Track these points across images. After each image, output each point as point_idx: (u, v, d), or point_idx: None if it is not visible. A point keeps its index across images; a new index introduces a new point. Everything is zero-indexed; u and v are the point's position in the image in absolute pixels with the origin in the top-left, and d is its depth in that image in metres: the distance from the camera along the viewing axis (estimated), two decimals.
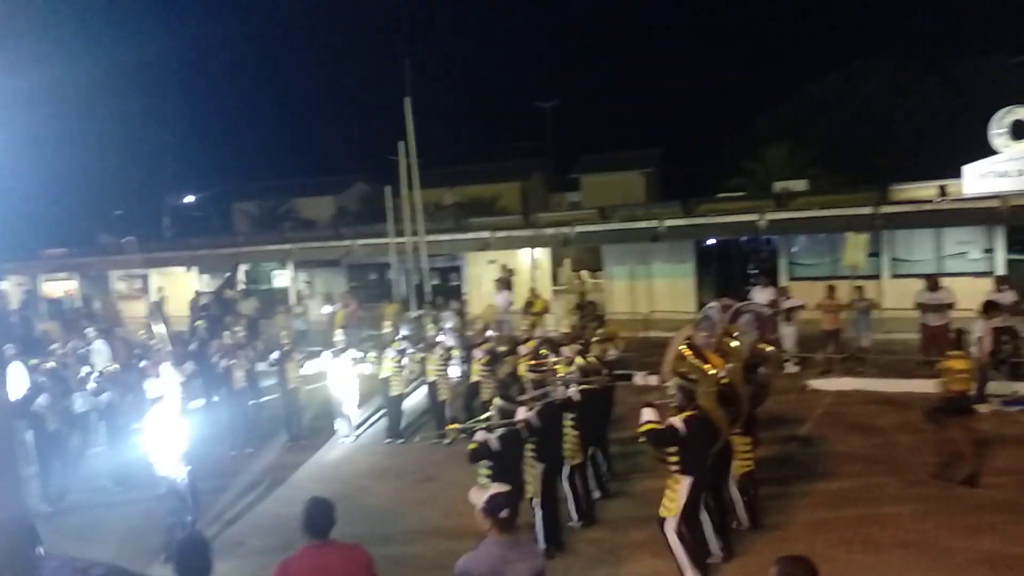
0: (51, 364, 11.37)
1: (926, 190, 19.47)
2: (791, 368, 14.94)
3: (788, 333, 14.99)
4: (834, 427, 11.43)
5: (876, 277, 18.85)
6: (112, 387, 11.19)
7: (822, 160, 32.11)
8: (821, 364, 14.84)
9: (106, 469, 10.99)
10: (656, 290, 21.45)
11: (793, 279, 19.71)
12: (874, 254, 18.58)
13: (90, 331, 15.72)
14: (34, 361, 11.34)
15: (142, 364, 12.38)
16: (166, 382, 11.04)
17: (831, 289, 15.07)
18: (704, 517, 6.95)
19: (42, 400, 10.22)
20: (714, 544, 7.12)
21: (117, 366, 12.13)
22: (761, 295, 15.17)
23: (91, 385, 11.27)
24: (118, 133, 40.29)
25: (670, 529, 6.57)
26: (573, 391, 8.46)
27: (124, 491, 10.33)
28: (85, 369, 12.05)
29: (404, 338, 13.25)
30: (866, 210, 18.98)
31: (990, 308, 12.18)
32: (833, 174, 31.00)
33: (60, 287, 32.04)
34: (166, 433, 8.06)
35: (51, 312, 27.09)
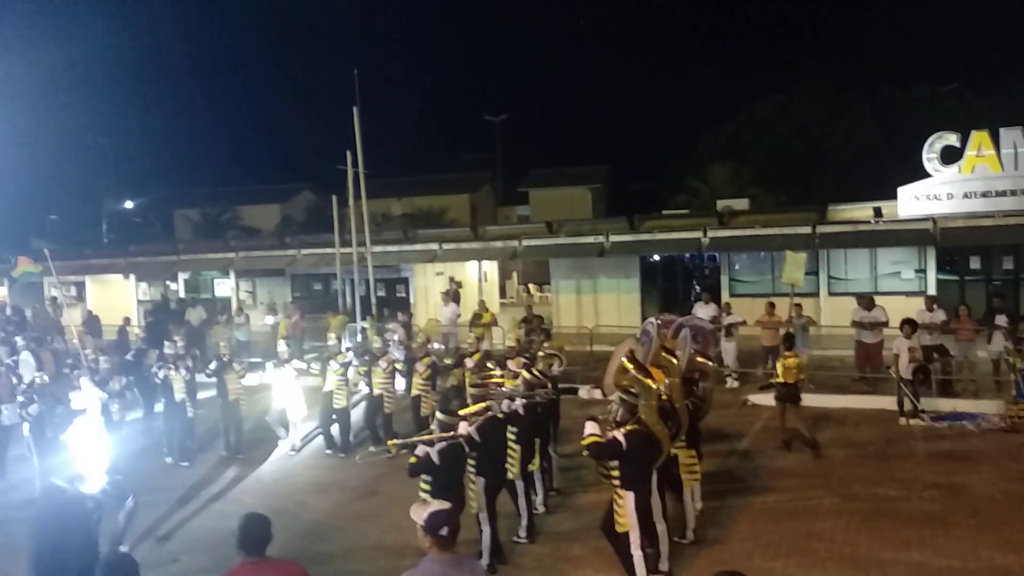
0: None
1: (862, 211, 20.10)
2: (731, 383, 15.20)
3: (729, 348, 15.27)
4: (772, 442, 11.63)
5: (815, 295, 19.40)
6: (40, 399, 10.78)
7: (763, 179, 32.91)
8: (760, 379, 15.12)
9: (33, 482, 10.56)
10: (602, 304, 21.68)
11: (734, 295, 20.15)
12: (812, 272, 19.13)
13: (18, 340, 15.15)
14: None
15: (73, 374, 11.97)
16: (87, 396, 10.69)
17: (771, 306, 15.39)
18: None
19: None
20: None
21: (46, 377, 11.69)
22: (704, 311, 15.41)
23: (20, 397, 10.84)
24: (55, 135, 39.11)
25: (634, 545, 6.58)
26: (518, 404, 8.45)
27: None
28: (14, 380, 11.59)
29: (349, 350, 13.09)
30: (805, 229, 19.53)
31: (907, 326, 12.65)
32: (774, 193, 31.81)
33: None
34: (88, 447, 7.76)
35: None
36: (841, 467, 10.47)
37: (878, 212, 19.61)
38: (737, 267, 21.38)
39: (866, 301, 14.72)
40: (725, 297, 19.68)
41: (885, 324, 14.28)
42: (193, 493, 10.49)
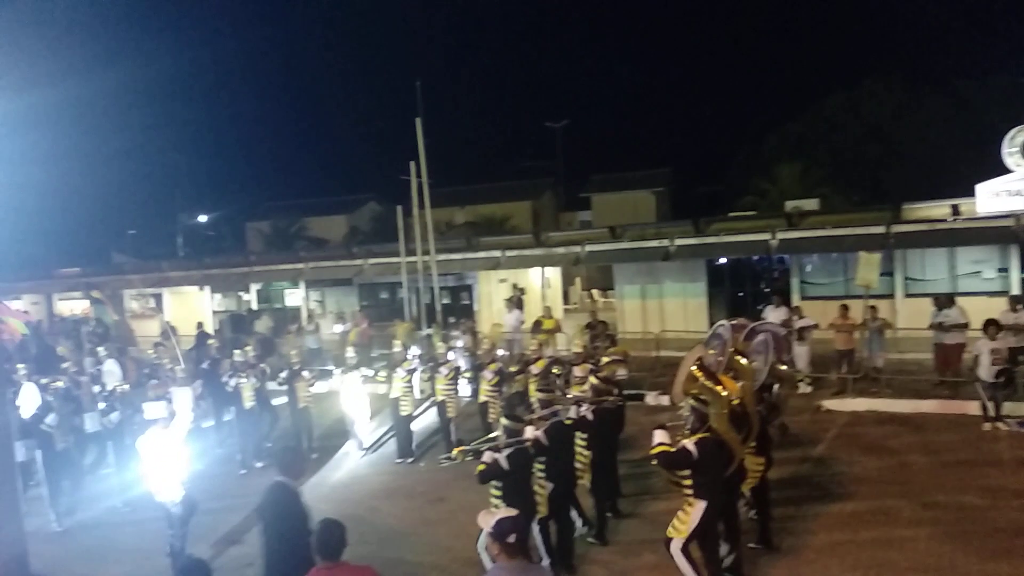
0: (61, 383, 11.39)
1: (939, 209, 19.34)
2: (804, 388, 14.82)
3: (801, 353, 14.88)
4: (848, 448, 11.30)
5: (890, 296, 18.72)
6: (122, 407, 11.21)
7: (833, 179, 32.06)
8: (834, 384, 14.71)
9: (116, 489, 10.99)
10: (667, 309, 21.39)
11: (805, 298, 19.61)
12: (887, 273, 18.47)
13: (102, 350, 15.78)
14: (45, 380, 11.37)
15: (150, 384, 12.41)
16: (175, 405, 11.01)
17: (844, 308, 14.98)
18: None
19: (51, 419, 10.23)
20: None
21: (127, 386, 12.16)
22: (774, 314, 15.08)
23: (101, 405, 11.30)
24: (133, 153, 40.75)
25: (676, 549, 6.46)
26: (586, 410, 8.40)
27: (132, 511, 10.28)
28: (96, 388, 12.08)
29: (414, 357, 13.24)
30: (879, 229, 18.87)
31: (992, 327, 12.07)
32: (844, 193, 30.93)
33: (73, 306, 32.25)
34: (164, 457, 8.01)
35: (64, 331, 27.19)
36: (921, 474, 10.07)
37: (955, 210, 18.86)
38: (808, 269, 20.82)
39: (942, 300, 14.17)
40: (796, 300, 19.17)
41: (965, 326, 13.72)
42: None
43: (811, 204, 24.48)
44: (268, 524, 5.22)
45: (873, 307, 14.82)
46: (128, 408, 11.20)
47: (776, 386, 8.60)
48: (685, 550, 6.44)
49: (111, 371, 14.33)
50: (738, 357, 7.50)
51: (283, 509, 4.99)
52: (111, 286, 31.36)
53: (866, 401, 13.78)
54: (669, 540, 6.53)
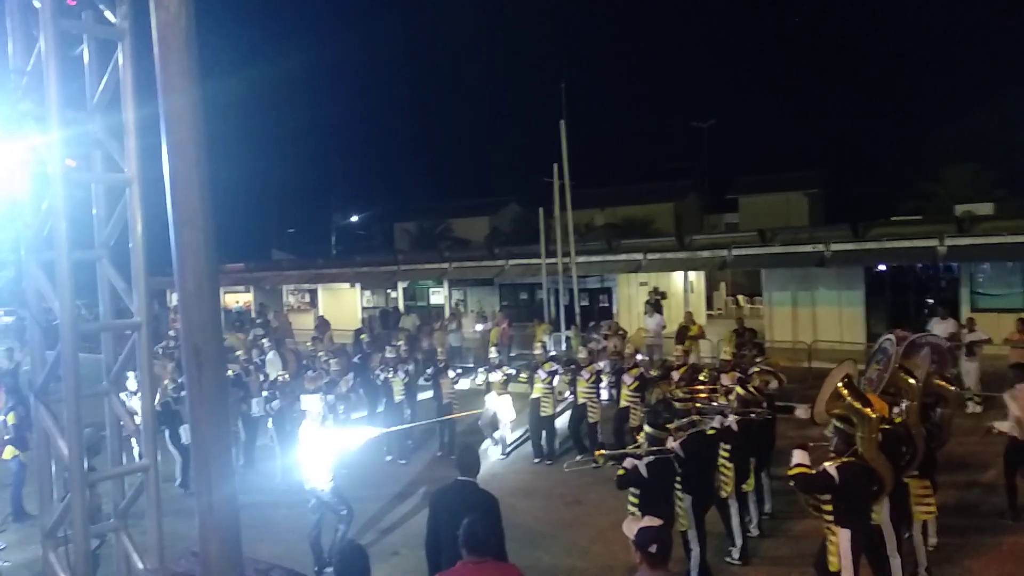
0: (232, 371, 12.26)
1: None
2: (974, 408, 13.66)
3: (970, 369, 13.75)
4: (1022, 475, 10.29)
5: None
6: (282, 395, 11.94)
7: (1010, 181, 29.42)
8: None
9: (275, 471, 11.72)
10: (821, 318, 20.37)
11: (976, 310, 18.12)
12: None
13: (265, 342, 16.86)
14: None
15: (307, 375, 13.12)
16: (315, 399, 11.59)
17: (1022, 322, 13.76)
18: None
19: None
20: None
21: (288, 376, 12.92)
22: (940, 327, 14.06)
23: (264, 393, 12.09)
24: (293, 156, 43.42)
25: None
26: (731, 421, 8.12)
27: (288, 491, 10.88)
28: (260, 378, 12.93)
29: (553, 358, 13.27)
30: None
31: None
32: (1023, 196, 28.30)
33: (235, 298, 34.73)
34: (315, 447, 8.42)
35: (230, 323, 29.40)
36: None
37: None
38: (980, 279, 19.23)
39: None
40: (965, 312, 17.76)
41: None
42: (411, 490, 11.09)
43: (985, 208, 22.64)
44: (444, 521, 5.39)
45: None
46: (288, 397, 11.91)
47: (939, 406, 7.96)
48: None
49: (272, 361, 15.31)
50: (903, 374, 6.96)
51: (461, 507, 5.14)
52: (271, 281, 33.52)
53: None
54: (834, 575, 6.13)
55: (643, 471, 6.79)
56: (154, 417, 4.76)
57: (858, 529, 6.08)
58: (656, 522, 4.45)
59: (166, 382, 11.86)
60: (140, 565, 4.58)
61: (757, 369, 10.06)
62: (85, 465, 4.43)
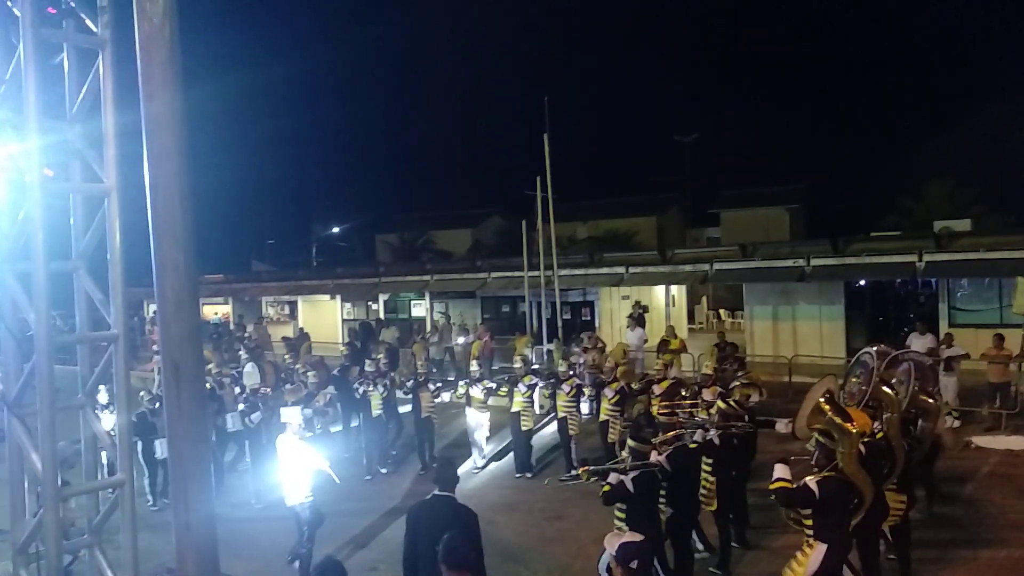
0: (208, 384, 12.08)
1: None
2: (952, 422, 13.77)
3: (948, 384, 13.86)
4: (1000, 489, 10.41)
5: None
6: (261, 408, 11.79)
7: (988, 197, 29.88)
8: (986, 420, 13.61)
9: (250, 486, 11.54)
10: (801, 333, 20.49)
11: (955, 326, 18.28)
12: None
13: (242, 353, 16.69)
14: None
15: (286, 388, 13.00)
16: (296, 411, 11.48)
17: (999, 338, 13.89)
18: None
19: None
20: None
21: (268, 389, 12.77)
22: (919, 342, 14.16)
23: (241, 406, 11.91)
24: (273, 167, 43.32)
25: None
26: (713, 435, 8.13)
27: (264, 508, 10.74)
28: (237, 390, 12.76)
29: (535, 372, 13.23)
30: None
31: None
32: (1000, 213, 28.76)
33: (214, 310, 34.37)
34: (295, 462, 8.31)
35: (206, 334, 29.05)
36: None
37: None
38: (958, 295, 19.45)
39: None
40: (943, 327, 17.92)
41: None
42: (390, 504, 10.98)
43: (963, 224, 22.87)
44: (423, 537, 5.33)
45: None
46: (266, 410, 11.76)
47: (920, 420, 8.03)
48: None
49: (250, 373, 15.15)
50: (884, 387, 7.01)
51: (439, 522, 5.08)
52: (250, 292, 33.24)
53: (1022, 440, 12.66)
54: None
55: (629, 486, 6.76)
56: (130, 431, 4.67)
57: (836, 545, 6.07)
58: (637, 538, 4.43)
59: (142, 394, 11.68)
60: None
61: (738, 383, 10.09)
62: (59, 480, 4.34)
